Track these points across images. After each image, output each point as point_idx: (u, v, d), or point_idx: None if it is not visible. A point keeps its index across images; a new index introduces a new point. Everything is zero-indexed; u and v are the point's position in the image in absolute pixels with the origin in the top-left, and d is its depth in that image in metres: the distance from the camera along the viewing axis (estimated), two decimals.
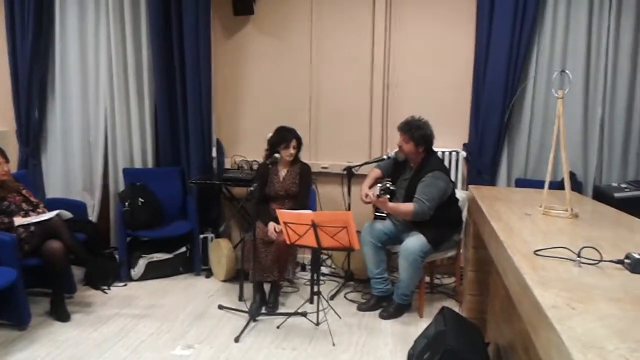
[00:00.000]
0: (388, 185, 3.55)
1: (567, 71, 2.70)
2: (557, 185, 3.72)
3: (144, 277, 4.54)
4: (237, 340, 3.43)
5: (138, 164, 4.97)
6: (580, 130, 4.39)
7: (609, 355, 1.10)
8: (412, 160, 3.92)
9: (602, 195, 4.04)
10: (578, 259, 1.76)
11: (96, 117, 4.91)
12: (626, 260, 1.72)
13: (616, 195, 3.86)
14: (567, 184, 2.66)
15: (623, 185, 4.04)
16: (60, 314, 3.68)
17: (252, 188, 3.61)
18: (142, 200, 4.57)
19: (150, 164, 5.01)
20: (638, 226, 2.54)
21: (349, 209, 4.35)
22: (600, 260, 1.74)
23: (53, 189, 4.87)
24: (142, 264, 4.55)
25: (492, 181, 4.55)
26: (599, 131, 4.38)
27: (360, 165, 4.41)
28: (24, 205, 3.86)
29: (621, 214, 2.83)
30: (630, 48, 4.27)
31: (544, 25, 4.39)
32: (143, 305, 4.04)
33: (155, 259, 4.60)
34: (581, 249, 1.78)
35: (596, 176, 4.43)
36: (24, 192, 3.95)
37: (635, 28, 4.24)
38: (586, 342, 1.17)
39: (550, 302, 1.41)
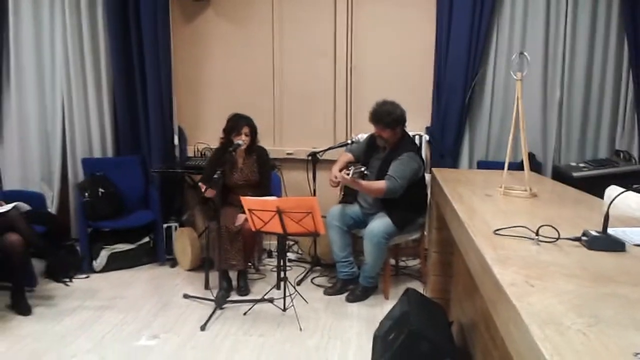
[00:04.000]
0: (362, 169, 3.59)
1: (525, 53, 2.73)
2: (517, 166, 3.78)
3: (106, 268, 4.46)
4: (203, 328, 3.41)
5: (97, 154, 4.86)
6: (540, 112, 4.48)
7: (566, 330, 1.12)
8: (389, 143, 3.93)
9: (561, 175, 4.13)
10: (536, 237, 1.78)
11: (53, 106, 4.76)
12: (583, 238, 1.76)
13: (575, 174, 3.96)
14: (526, 164, 2.71)
15: (581, 165, 4.14)
16: (21, 308, 3.59)
17: (215, 176, 3.57)
18: (102, 190, 4.49)
19: (110, 153, 4.91)
20: (597, 204, 2.59)
21: (314, 195, 4.35)
22: (558, 238, 1.77)
23: (10, 181, 4.69)
24: (104, 255, 4.47)
25: (454, 164, 4.61)
26: (558, 112, 4.47)
27: (325, 151, 4.41)
28: None
29: (580, 193, 2.89)
30: (588, 30, 4.37)
31: (503, 8, 4.45)
32: (106, 297, 3.97)
33: (117, 250, 4.53)
34: (539, 227, 1.81)
35: (555, 156, 4.53)
36: None
37: (592, 10, 4.34)
38: (544, 318, 1.18)
39: (509, 279, 1.42)
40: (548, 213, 2.33)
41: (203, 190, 3.81)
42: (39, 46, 4.69)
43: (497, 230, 1.89)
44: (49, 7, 4.65)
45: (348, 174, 3.57)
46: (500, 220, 2.14)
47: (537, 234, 1.79)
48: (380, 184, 3.74)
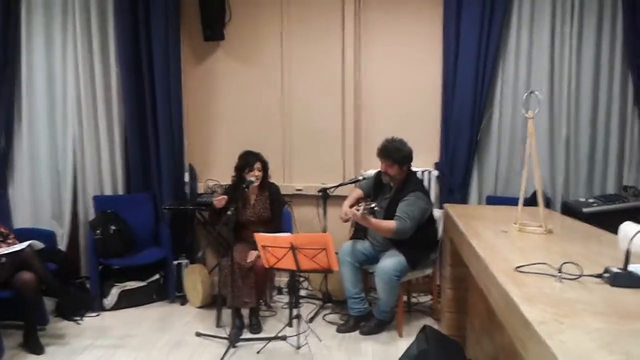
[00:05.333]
0: (373, 205, 3.60)
1: (536, 92, 2.79)
2: (526, 201, 3.80)
3: (116, 306, 4.44)
4: None
5: (108, 191, 4.89)
6: (547, 148, 4.52)
7: None
8: (395, 181, 3.96)
9: (570, 211, 4.15)
10: (559, 274, 1.80)
11: (64, 144, 4.80)
12: (605, 274, 1.78)
13: (585, 210, 3.97)
14: (540, 200, 2.74)
15: (591, 200, 4.15)
16: (34, 347, 3.57)
17: (229, 212, 3.60)
18: (114, 227, 4.50)
19: (120, 190, 4.94)
20: (608, 239, 2.62)
21: (325, 231, 4.36)
22: (580, 275, 1.79)
23: (21, 219, 4.71)
24: (114, 293, 4.45)
25: (463, 199, 4.64)
26: (565, 149, 4.52)
27: (336, 187, 4.45)
28: None
29: (591, 228, 2.92)
30: (592, 67, 4.44)
31: (508, 47, 4.54)
32: (118, 335, 3.94)
33: (128, 288, 4.51)
34: (562, 264, 1.83)
35: (563, 192, 4.56)
36: None
37: (596, 48, 4.42)
38: (578, 356, 1.20)
39: (538, 317, 1.44)
40: (565, 249, 2.35)
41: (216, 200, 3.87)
42: (50, 85, 4.77)
43: (519, 267, 1.92)
44: (62, 46, 4.74)
45: (358, 210, 3.60)
46: (518, 256, 2.16)
47: (559, 271, 1.81)
48: (391, 223, 3.75)
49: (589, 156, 4.53)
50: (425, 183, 4.63)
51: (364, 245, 4.06)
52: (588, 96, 4.47)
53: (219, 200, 3.93)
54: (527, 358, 1.47)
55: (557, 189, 4.56)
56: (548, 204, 4.41)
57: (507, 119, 4.60)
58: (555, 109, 4.52)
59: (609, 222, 3.01)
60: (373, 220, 3.74)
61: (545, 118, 4.48)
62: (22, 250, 3.58)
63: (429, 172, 4.71)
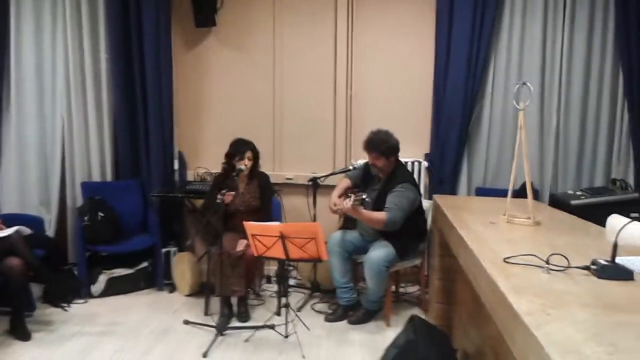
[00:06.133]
0: (364, 196, 3.59)
1: (528, 83, 2.79)
2: (515, 193, 3.82)
3: (104, 293, 4.43)
4: (205, 355, 3.38)
5: (96, 177, 4.85)
6: (537, 140, 4.54)
7: (588, 359, 1.15)
8: (383, 172, 3.96)
9: (558, 203, 4.17)
10: (546, 265, 1.82)
11: (53, 130, 4.75)
12: (592, 267, 1.79)
13: (572, 202, 3.99)
14: (529, 192, 2.75)
15: (578, 193, 4.17)
16: (21, 333, 3.55)
17: (218, 200, 3.59)
18: (101, 214, 4.47)
19: (109, 177, 4.90)
20: (595, 232, 2.64)
21: (315, 220, 4.36)
22: (568, 267, 1.81)
23: (8, 204, 4.67)
24: (102, 280, 4.43)
25: (452, 190, 4.65)
26: (554, 141, 4.54)
27: (327, 176, 4.44)
28: None
29: (578, 220, 2.95)
30: (583, 60, 4.46)
31: (500, 39, 4.54)
32: (105, 322, 3.93)
33: (116, 275, 4.49)
34: (550, 256, 1.84)
35: (552, 184, 4.59)
36: None
37: (588, 41, 4.44)
38: (565, 347, 1.21)
39: (526, 308, 1.45)
40: (552, 241, 2.36)
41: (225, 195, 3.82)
42: (39, 70, 4.70)
43: (507, 258, 1.93)
44: (51, 31, 4.68)
45: (349, 199, 3.58)
46: (506, 247, 2.17)
47: (547, 262, 1.82)
48: (381, 215, 3.74)
49: (578, 149, 4.56)
50: (415, 174, 4.64)
51: (353, 235, 4.06)
52: (579, 89, 4.49)
53: (227, 197, 3.88)
54: (514, 348, 1.48)
55: (546, 181, 4.58)
56: (536, 196, 4.44)
57: (498, 111, 4.61)
58: (546, 102, 4.54)
59: (596, 214, 3.03)
60: (364, 211, 3.73)
61: (535, 110, 4.49)
62: (9, 236, 3.55)
63: (419, 163, 4.71)
